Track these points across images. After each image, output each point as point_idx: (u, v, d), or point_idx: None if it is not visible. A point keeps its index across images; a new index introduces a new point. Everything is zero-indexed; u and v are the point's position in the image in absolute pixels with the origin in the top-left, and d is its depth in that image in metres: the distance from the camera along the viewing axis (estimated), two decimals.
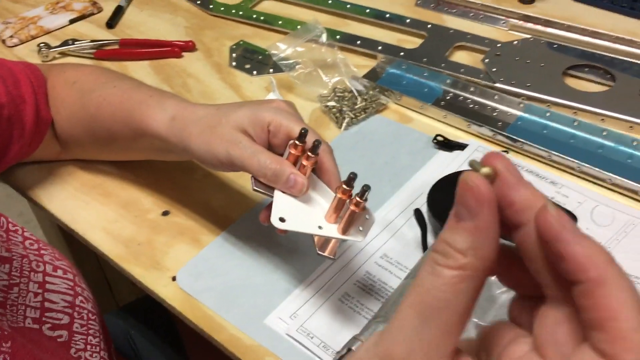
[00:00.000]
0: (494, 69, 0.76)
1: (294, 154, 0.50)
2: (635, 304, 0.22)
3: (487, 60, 0.78)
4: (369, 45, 0.83)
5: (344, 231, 0.49)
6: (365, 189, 0.47)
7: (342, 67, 0.77)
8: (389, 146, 0.70)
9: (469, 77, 0.76)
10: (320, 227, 0.49)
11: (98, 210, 0.65)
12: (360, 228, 0.49)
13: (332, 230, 0.49)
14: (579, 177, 0.64)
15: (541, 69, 0.77)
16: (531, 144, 0.66)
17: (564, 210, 0.57)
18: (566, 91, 0.73)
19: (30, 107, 0.62)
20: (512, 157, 0.67)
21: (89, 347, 0.54)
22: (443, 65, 0.79)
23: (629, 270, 0.54)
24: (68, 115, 0.65)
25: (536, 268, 0.25)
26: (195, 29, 0.92)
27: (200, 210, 0.64)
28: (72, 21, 0.94)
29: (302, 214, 0.49)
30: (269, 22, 0.91)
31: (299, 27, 0.81)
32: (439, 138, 0.69)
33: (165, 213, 0.64)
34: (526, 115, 0.70)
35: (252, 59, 0.84)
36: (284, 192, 0.50)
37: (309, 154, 0.49)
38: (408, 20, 0.87)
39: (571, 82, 0.76)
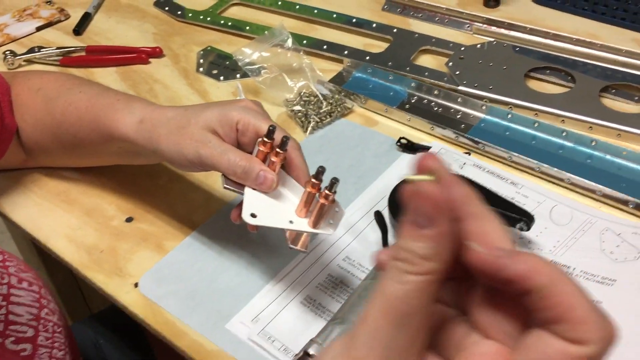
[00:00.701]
0: (458, 72, 0.77)
1: (263, 150, 0.51)
2: (579, 290, 0.24)
3: (450, 63, 0.79)
4: (335, 50, 0.84)
5: (315, 225, 0.49)
6: (334, 181, 0.47)
7: (308, 72, 0.77)
8: (354, 149, 0.70)
9: (433, 81, 0.77)
10: (291, 222, 0.50)
11: (61, 217, 0.65)
12: (331, 221, 0.50)
13: (303, 224, 0.50)
14: (538, 177, 0.65)
15: (504, 72, 0.78)
16: (493, 145, 0.67)
17: (521, 211, 0.58)
18: (528, 93, 0.75)
19: None
20: (474, 158, 0.67)
21: None
22: (408, 69, 0.80)
23: (587, 267, 0.55)
24: (33, 123, 0.64)
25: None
26: (163, 35, 0.92)
27: (164, 215, 0.64)
28: (39, 28, 0.94)
29: (273, 209, 0.50)
30: (238, 28, 0.91)
31: (265, 32, 0.81)
32: (403, 141, 0.69)
33: (129, 219, 0.64)
34: (489, 117, 0.71)
35: (219, 65, 0.84)
36: (254, 189, 0.50)
37: (278, 150, 0.50)
38: (374, 25, 0.88)
39: (533, 84, 0.77)
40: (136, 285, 0.58)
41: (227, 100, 0.56)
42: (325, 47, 0.85)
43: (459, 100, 0.73)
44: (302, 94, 0.76)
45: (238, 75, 0.82)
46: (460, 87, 0.76)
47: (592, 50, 0.79)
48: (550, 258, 0.57)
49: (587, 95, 0.73)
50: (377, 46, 0.86)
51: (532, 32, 0.83)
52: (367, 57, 0.82)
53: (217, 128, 0.52)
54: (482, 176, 0.65)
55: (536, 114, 0.72)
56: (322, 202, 0.48)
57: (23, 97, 0.65)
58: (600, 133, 0.69)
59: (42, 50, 0.87)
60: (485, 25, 0.86)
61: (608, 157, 0.65)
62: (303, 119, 0.74)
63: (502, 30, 0.85)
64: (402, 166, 0.67)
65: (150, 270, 0.59)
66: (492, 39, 0.84)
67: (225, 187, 0.51)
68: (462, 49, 0.82)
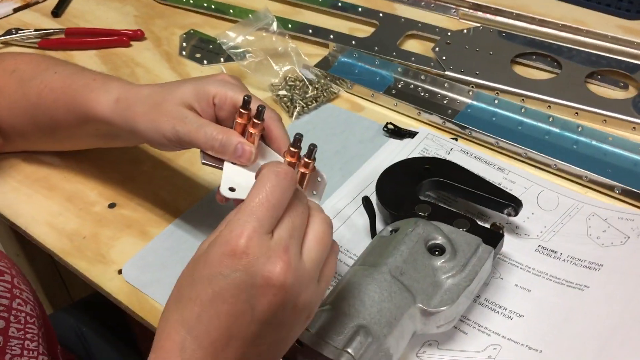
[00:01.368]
0: (444, 57, 0.77)
1: (241, 122, 0.49)
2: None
3: (437, 48, 0.79)
4: (321, 34, 0.83)
5: None
6: (312, 147, 0.45)
7: (293, 56, 0.76)
8: (340, 135, 0.70)
9: (420, 66, 0.77)
10: None
11: (42, 203, 0.63)
12: (314, 192, 0.48)
13: None
14: (525, 162, 0.65)
15: (490, 57, 0.77)
16: (480, 131, 0.67)
17: (510, 197, 0.58)
18: (514, 79, 0.74)
19: None
20: (461, 144, 0.67)
21: (25, 352, 0.52)
22: (394, 53, 0.79)
23: (574, 253, 0.55)
24: (8, 105, 0.62)
25: None
26: (144, 17, 0.90)
27: (148, 202, 0.63)
28: (16, 10, 0.91)
29: (253, 182, 0.48)
30: (221, 11, 0.89)
31: (250, 15, 0.80)
32: (390, 126, 0.69)
33: (111, 205, 0.63)
34: (475, 102, 0.71)
35: (203, 48, 0.83)
36: (233, 164, 0.49)
37: (254, 120, 0.48)
38: (360, 9, 0.87)
39: (519, 69, 0.77)
40: (120, 272, 0.56)
41: (204, 76, 0.55)
42: (310, 31, 0.83)
43: (446, 85, 0.72)
44: (287, 78, 0.75)
45: (222, 59, 0.80)
46: (446, 73, 0.75)
47: (578, 36, 0.79)
48: (537, 243, 0.57)
49: (573, 81, 0.73)
50: (363, 30, 0.85)
51: (518, 17, 0.83)
52: (353, 42, 0.81)
53: (194, 103, 0.51)
54: (469, 162, 0.65)
55: (523, 99, 0.72)
56: (302, 171, 0.45)
57: None
58: (586, 119, 0.69)
59: (19, 32, 0.85)
60: (471, 10, 0.85)
61: (594, 142, 0.65)
62: (289, 103, 0.73)
63: (488, 16, 0.84)
64: (390, 151, 0.67)
65: (134, 257, 0.58)
66: (478, 24, 0.84)
67: (203, 163, 0.49)
68: (449, 34, 0.81)
